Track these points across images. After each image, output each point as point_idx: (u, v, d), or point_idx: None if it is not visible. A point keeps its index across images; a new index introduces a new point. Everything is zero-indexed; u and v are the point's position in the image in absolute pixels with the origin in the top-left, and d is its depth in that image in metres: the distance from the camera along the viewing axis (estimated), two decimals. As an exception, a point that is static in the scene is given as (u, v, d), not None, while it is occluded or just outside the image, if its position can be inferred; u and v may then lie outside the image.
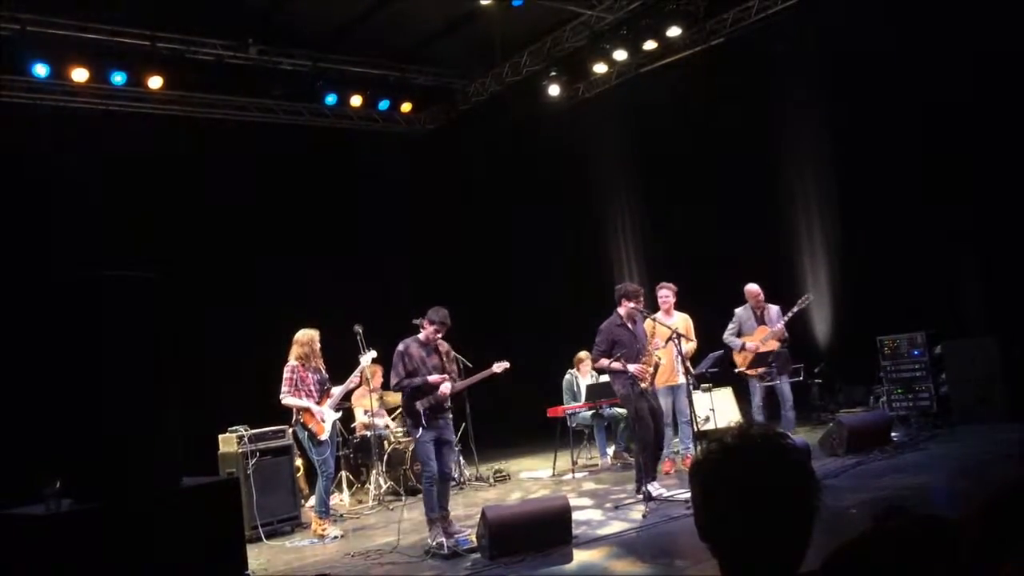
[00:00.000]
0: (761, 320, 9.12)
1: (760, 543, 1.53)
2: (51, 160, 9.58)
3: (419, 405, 6.77)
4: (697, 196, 11.59)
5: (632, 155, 12.96)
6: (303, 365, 7.72)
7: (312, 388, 7.74)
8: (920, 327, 9.71)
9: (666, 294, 8.76)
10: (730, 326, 9.22)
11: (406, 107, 12.30)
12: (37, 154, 9.51)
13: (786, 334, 9.12)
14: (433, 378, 6.76)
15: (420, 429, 6.76)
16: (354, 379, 8.18)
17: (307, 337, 7.79)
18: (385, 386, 9.49)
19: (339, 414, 8.04)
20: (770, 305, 9.16)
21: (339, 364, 8.18)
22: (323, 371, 7.89)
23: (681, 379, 8.12)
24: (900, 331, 9.84)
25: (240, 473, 7.48)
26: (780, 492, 1.53)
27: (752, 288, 9.22)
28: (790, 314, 9.01)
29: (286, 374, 7.67)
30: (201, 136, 10.81)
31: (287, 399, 7.63)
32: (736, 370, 9.35)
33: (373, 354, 8.22)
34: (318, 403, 7.73)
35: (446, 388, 6.81)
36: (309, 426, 7.63)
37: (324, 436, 7.67)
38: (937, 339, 9.63)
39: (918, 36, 9.32)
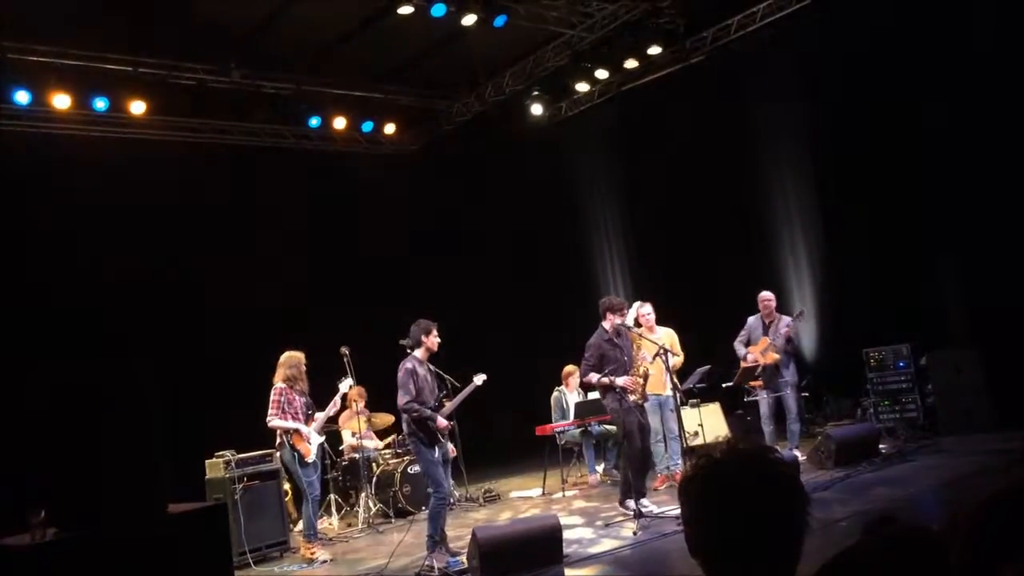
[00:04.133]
0: (767, 331, 9.10)
1: (750, 558, 1.53)
2: (32, 187, 9.53)
3: (435, 426, 6.74)
4: (681, 212, 11.65)
5: (616, 172, 13.05)
6: (290, 387, 7.68)
7: (299, 411, 7.70)
8: (905, 339, 9.78)
9: (647, 311, 8.77)
10: (741, 333, 9.21)
11: (390, 128, 12.34)
12: (17, 180, 9.45)
13: (795, 343, 9.09)
14: (440, 423, 6.75)
15: (432, 449, 6.70)
16: (336, 402, 8.17)
17: (294, 360, 7.76)
18: (373, 408, 9.48)
19: (323, 438, 8.03)
20: (783, 316, 9.12)
21: (326, 386, 8.16)
22: (307, 395, 7.85)
23: (668, 391, 8.12)
24: (886, 343, 9.91)
25: (227, 498, 7.40)
26: (769, 507, 1.53)
27: (764, 295, 9.16)
28: (785, 329, 8.99)
29: (273, 396, 7.62)
30: (185, 160, 10.77)
31: (274, 421, 7.58)
32: (726, 385, 9.37)
33: (350, 382, 8.26)
34: (304, 425, 7.69)
35: (442, 422, 6.80)
36: (298, 448, 7.58)
37: (311, 458, 7.62)
38: (922, 351, 9.69)
39: (899, 50, 9.45)
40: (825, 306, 11.17)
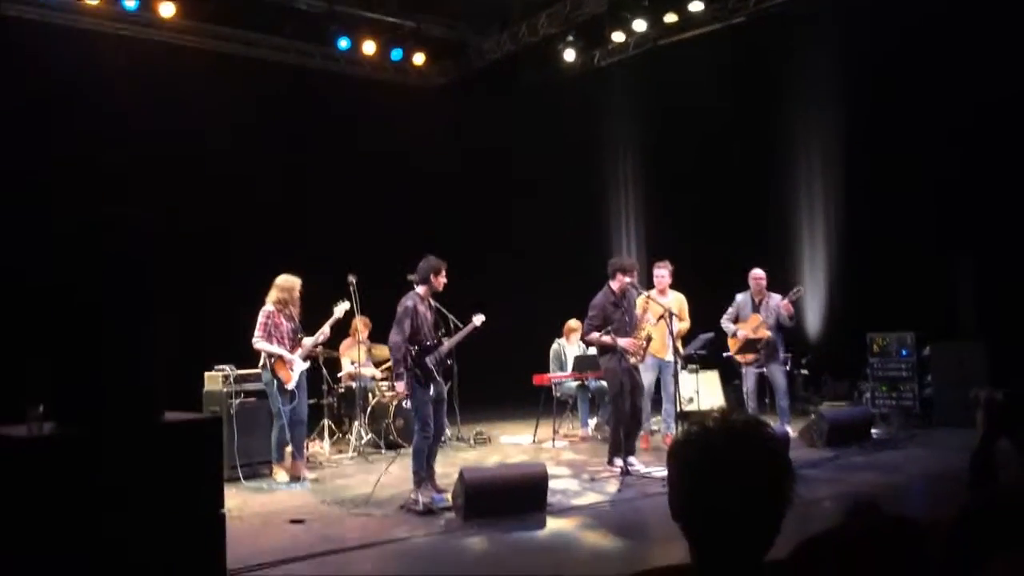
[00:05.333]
0: (758, 308, 9.09)
1: (730, 528, 1.55)
2: (56, 78, 9.46)
3: (430, 361, 6.76)
4: (702, 176, 11.53)
5: (641, 128, 12.90)
6: (279, 311, 7.69)
7: (285, 335, 7.71)
8: (910, 327, 9.76)
9: (662, 273, 8.75)
10: (729, 310, 9.18)
11: (419, 58, 12.15)
12: (42, 70, 9.39)
13: (791, 323, 9.05)
14: (428, 360, 6.76)
15: (427, 387, 6.74)
16: (326, 330, 8.06)
17: (288, 283, 7.73)
18: (373, 337, 9.51)
19: (307, 364, 7.96)
20: (772, 294, 9.06)
21: (327, 312, 8.15)
22: (296, 320, 7.85)
23: (670, 356, 8.14)
24: (890, 330, 9.89)
25: (223, 412, 7.49)
26: (755, 480, 1.54)
27: (755, 273, 9.11)
28: (781, 307, 8.93)
29: (260, 318, 7.64)
30: (209, 69, 10.66)
31: (259, 343, 7.60)
32: (725, 355, 9.38)
33: (345, 306, 8.13)
34: (290, 351, 7.71)
35: (431, 360, 6.80)
36: (278, 374, 7.63)
37: (290, 385, 7.65)
38: (926, 341, 9.67)
39: (940, 36, 9.25)
40: (834, 286, 11.13)
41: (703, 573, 1.59)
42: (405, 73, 12.74)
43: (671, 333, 7.84)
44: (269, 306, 7.68)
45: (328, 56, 11.82)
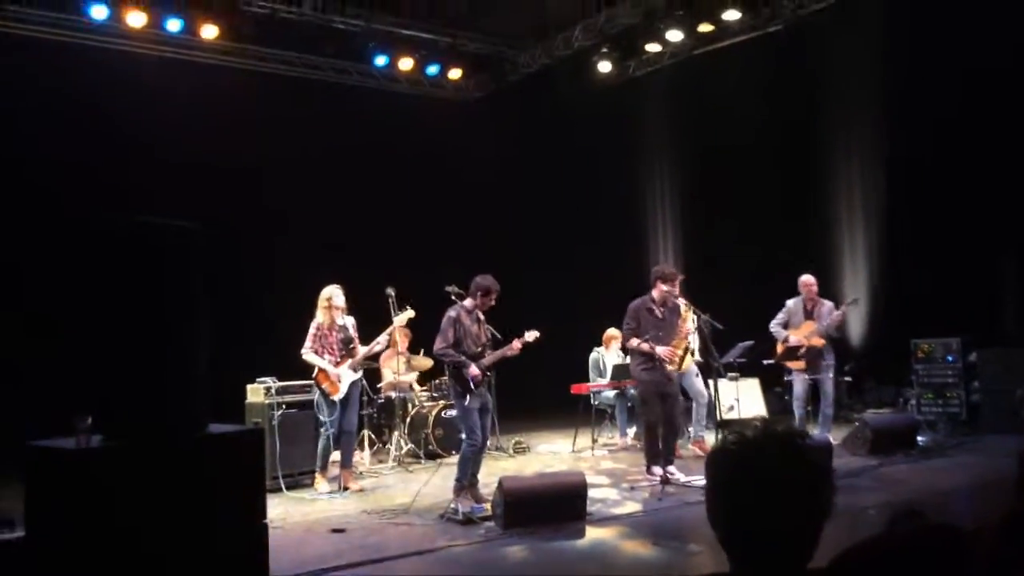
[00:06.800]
0: (810, 315, 8.95)
1: (768, 540, 1.54)
2: (99, 100, 9.69)
3: (467, 373, 6.80)
4: (742, 186, 11.45)
5: (678, 138, 12.85)
6: (326, 323, 7.79)
7: (334, 346, 7.81)
8: (956, 333, 9.58)
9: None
10: (779, 315, 9.06)
11: (455, 74, 12.25)
12: (87, 91, 9.63)
13: (836, 333, 8.93)
14: (473, 371, 6.78)
15: (467, 396, 6.79)
16: (382, 340, 8.17)
17: (327, 293, 7.82)
18: (414, 350, 9.59)
19: (359, 374, 8.04)
20: (824, 300, 8.94)
21: (369, 325, 8.24)
22: (350, 329, 7.91)
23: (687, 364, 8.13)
24: (936, 336, 9.72)
25: (265, 424, 7.59)
26: (794, 491, 1.53)
27: (806, 279, 8.99)
28: (836, 315, 8.81)
29: (311, 330, 7.77)
30: (250, 89, 10.86)
31: (307, 355, 7.74)
32: (767, 362, 9.29)
33: (410, 313, 8.20)
34: (338, 362, 7.79)
35: (474, 370, 6.82)
36: (323, 385, 7.74)
37: (337, 397, 7.74)
38: (972, 347, 9.49)
39: (982, 38, 9.11)
40: (878, 292, 10.97)
41: (742, 583, 1.58)
42: (442, 88, 12.85)
43: (707, 341, 7.82)
44: (319, 318, 7.79)
45: (365, 73, 11.98)
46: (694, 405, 8.83)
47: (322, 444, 7.77)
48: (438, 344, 6.88)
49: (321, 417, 7.75)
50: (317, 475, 7.82)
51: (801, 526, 1.55)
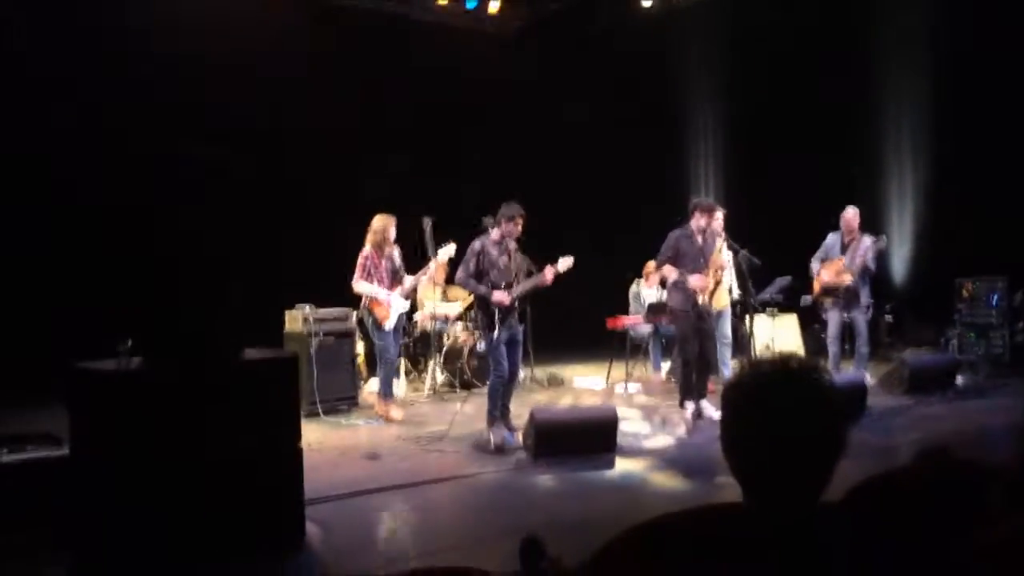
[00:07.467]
0: (846, 249, 8.71)
1: (781, 472, 1.53)
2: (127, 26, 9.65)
3: (493, 305, 6.73)
4: (786, 122, 11.15)
5: (720, 72, 12.52)
6: (377, 252, 7.83)
7: (384, 275, 7.83)
8: (1002, 273, 9.37)
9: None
10: (819, 251, 8.86)
11: (493, 7, 12.03)
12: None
13: (871, 269, 8.71)
14: (496, 296, 6.65)
15: (495, 329, 6.70)
16: (427, 270, 8.13)
17: (380, 224, 7.83)
18: (449, 280, 9.61)
19: (407, 304, 8.07)
20: (864, 236, 8.62)
21: (413, 256, 8.26)
22: (396, 260, 7.94)
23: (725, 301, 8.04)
24: (980, 275, 9.51)
25: (302, 351, 7.70)
26: (804, 429, 1.52)
27: (847, 213, 8.68)
28: (862, 255, 8.59)
29: (360, 260, 7.79)
30: (285, 15, 10.73)
31: (358, 285, 7.77)
32: (806, 297, 9.17)
33: (452, 247, 8.05)
34: (389, 290, 7.84)
35: (501, 296, 6.67)
36: (375, 313, 7.80)
37: (388, 326, 7.81)
38: (1018, 287, 9.29)
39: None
40: (922, 229, 10.73)
41: (753, 513, 1.59)
42: (480, 21, 12.62)
43: (744, 274, 7.75)
44: (367, 247, 7.82)
45: (402, 0, 11.78)
46: (718, 345, 8.68)
47: (382, 371, 7.85)
48: (459, 274, 6.83)
49: (377, 345, 7.83)
50: (383, 402, 7.81)
51: (814, 462, 1.54)
